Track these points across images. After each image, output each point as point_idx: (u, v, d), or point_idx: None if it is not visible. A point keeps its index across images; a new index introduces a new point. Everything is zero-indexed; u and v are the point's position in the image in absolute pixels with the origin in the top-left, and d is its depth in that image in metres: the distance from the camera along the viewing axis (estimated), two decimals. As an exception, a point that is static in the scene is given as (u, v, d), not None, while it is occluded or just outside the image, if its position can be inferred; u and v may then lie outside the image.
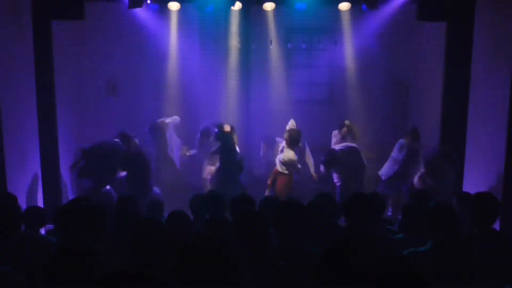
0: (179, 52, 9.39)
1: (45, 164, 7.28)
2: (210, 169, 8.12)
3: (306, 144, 8.36)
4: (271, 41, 8.86)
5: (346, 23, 8.99)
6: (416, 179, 7.53)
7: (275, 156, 7.88)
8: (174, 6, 7.75)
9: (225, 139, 7.40)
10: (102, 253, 3.26)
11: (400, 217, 5.24)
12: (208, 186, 7.98)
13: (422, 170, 7.52)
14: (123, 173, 7.15)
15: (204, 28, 9.32)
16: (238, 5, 7.84)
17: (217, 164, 7.57)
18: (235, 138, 7.67)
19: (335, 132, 8.77)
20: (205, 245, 2.29)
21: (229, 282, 2.23)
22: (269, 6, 7.82)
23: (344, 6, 7.72)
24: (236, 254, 2.26)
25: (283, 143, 7.85)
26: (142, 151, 7.35)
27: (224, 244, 2.26)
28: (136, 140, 7.79)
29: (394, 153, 7.98)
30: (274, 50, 9.35)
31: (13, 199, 5.15)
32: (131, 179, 6.91)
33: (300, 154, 7.99)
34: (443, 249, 3.53)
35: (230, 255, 2.24)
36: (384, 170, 8.00)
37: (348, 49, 9.36)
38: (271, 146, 8.73)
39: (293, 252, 3.48)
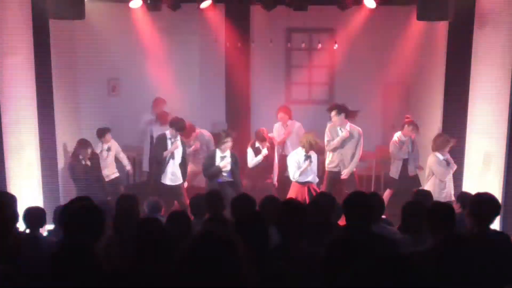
0: (178, 51, 9.38)
1: (45, 164, 7.27)
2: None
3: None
4: (271, 40, 8.85)
5: (346, 23, 8.99)
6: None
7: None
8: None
9: None
10: (102, 253, 3.26)
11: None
12: None
13: None
14: None
15: (204, 28, 9.32)
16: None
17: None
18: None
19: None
20: (209, 244, 2.26)
21: (233, 282, 2.21)
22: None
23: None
24: (240, 253, 2.24)
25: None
26: None
27: (229, 243, 2.23)
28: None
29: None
30: (274, 50, 9.33)
31: (12, 199, 5.15)
32: None
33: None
34: (443, 249, 3.53)
35: (234, 254, 2.22)
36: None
37: (348, 49, 9.34)
38: None
39: (293, 252, 3.48)
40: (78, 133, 8.59)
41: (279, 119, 8.68)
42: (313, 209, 4.51)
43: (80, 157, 7.54)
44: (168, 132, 7.69)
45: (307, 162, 7.38)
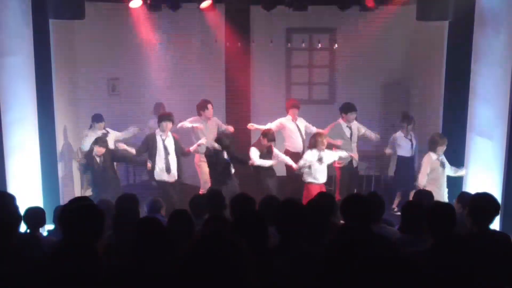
0: (178, 51, 9.38)
1: (45, 163, 7.27)
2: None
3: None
4: (271, 40, 8.84)
5: (346, 23, 8.98)
6: None
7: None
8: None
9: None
10: (102, 253, 3.26)
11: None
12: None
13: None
14: None
15: (203, 28, 9.31)
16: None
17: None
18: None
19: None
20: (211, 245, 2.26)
21: (236, 281, 2.21)
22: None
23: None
24: (242, 253, 2.24)
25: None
26: None
27: (231, 243, 2.23)
28: None
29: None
30: (274, 50, 9.33)
31: (12, 198, 5.15)
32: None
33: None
34: (443, 249, 3.53)
35: (236, 254, 2.21)
36: None
37: (348, 49, 9.34)
38: None
39: (293, 252, 3.48)
40: (78, 133, 8.60)
41: (292, 118, 8.64)
42: (313, 209, 4.51)
43: (94, 154, 7.50)
44: (157, 131, 7.81)
45: (318, 162, 7.42)
